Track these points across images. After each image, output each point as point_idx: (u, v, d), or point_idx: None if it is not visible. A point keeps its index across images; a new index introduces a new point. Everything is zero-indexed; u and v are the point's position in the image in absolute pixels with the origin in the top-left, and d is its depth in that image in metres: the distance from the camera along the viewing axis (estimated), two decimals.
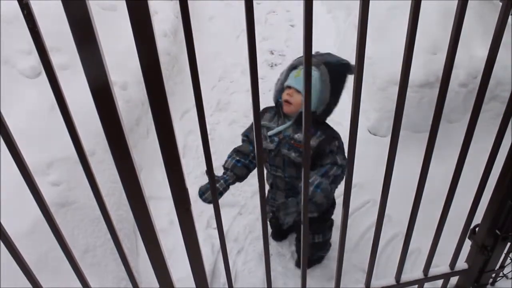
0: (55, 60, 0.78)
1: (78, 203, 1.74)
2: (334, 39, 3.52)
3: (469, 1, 0.91)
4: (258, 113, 0.90)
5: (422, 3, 0.86)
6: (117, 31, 2.23)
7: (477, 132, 1.18)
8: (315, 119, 1.50)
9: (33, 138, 1.78)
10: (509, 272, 1.82)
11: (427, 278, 1.60)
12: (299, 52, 0.85)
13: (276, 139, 1.58)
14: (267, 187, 1.81)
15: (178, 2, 0.73)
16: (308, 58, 0.83)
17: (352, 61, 1.02)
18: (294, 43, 3.75)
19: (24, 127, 1.79)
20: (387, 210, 1.29)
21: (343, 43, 3.32)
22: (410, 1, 0.85)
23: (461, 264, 1.66)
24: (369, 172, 2.18)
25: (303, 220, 1.16)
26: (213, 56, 3.57)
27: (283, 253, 2.11)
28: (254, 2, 0.75)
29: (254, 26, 0.76)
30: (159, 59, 0.73)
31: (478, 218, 1.50)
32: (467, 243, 1.58)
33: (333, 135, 1.54)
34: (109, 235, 1.05)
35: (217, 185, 1.61)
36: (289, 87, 1.52)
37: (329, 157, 1.53)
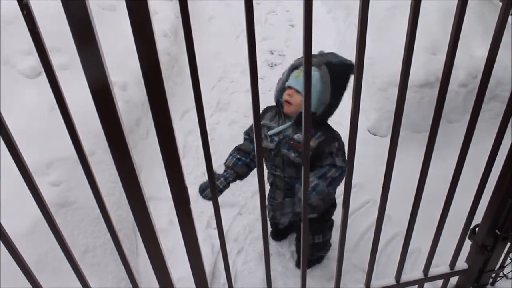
0: (55, 60, 0.78)
1: (78, 203, 1.74)
2: (334, 39, 3.52)
3: (469, 1, 0.91)
4: (258, 113, 0.90)
5: (422, 3, 0.86)
6: (117, 31, 2.23)
7: (477, 132, 1.17)
8: (315, 120, 1.49)
9: (33, 138, 1.78)
10: (509, 272, 1.82)
11: (427, 278, 1.60)
12: (299, 52, 0.85)
13: (276, 138, 1.58)
14: (268, 186, 1.81)
15: (178, 2, 0.73)
16: (308, 58, 0.83)
17: (352, 61, 1.02)
18: (294, 43, 3.75)
19: (24, 127, 1.79)
20: (387, 210, 1.29)
21: (343, 43, 3.32)
22: (410, 1, 0.85)
23: (461, 264, 1.66)
24: (369, 172, 2.18)
25: (303, 220, 1.16)
26: (213, 56, 3.57)
27: (283, 253, 2.11)
28: (254, 2, 0.75)
29: (254, 26, 0.76)
30: (159, 59, 0.73)
31: (478, 218, 1.50)
32: (467, 243, 1.57)
33: (333, 137, 1.54)
34: (109, 235, 1.05)
35: (217, 182, 1.62)
36: (289, 87, 1.52)
37: (328, 159, 1.52)
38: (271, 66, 3.57)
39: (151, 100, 0.78)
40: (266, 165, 1.70)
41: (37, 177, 0.90)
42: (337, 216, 1.72)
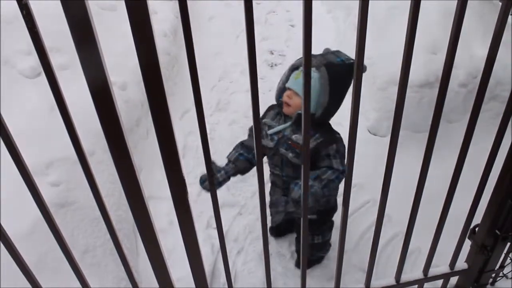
0: (55, 60, 0.78)
1: (77, 203, 1.74)
2: (334, 39, 3.52)
3: (469, 1, 0.91)
4: (258, 113, 0.90)
5: (422, 3, 0.86)
6: (117, 31, 2.23)
7: (476, 132, 1.17)
8: (314, 121, 1.48)
9: (33, 138, 1.78)
10: (509, 272, 1.82)
11: (427, 278, 1.60)
12: (299, 52, 0.85)
13: (275, 137, 1.58)
14: (269, 184, 1.83)
15: (177, 2, 0.72)
16: (308, 58, 0.83)
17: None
18: (294, 43, 3.75)
19: (24, 127, 1.79)
20: (387, 210, 1.29)
21: (343, 43, 3.32)
22: (409, 1, 0.85)
23: (461, 264, 1.65)
24: (369, 172, 2.18)
25: (303, 221, 1.16)
26: (213, 56, 3.57)
27: (283, 253, 2.11)
28: (254, 2, 0.75)
29: (253, 26, 0.76)
30: (158, 59, 0.73)
31: (478, 218, 1.50)
32: (467, 243, 1.57)
33: (332, 139, 1.52)
34: (108, 235, 1.05)
35: (218, 175, 1.65)
36: (289, 88, 1.52)
37: (325, 161, 1.51)
38: (271, 66, 3.57)
39: (150, 100, 0.78)
40: (268, 163, 1.72)
41: (37, 177, 0.90)
42: (337, 216, 1.72)
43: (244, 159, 1.68)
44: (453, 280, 1.79)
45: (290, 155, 1.55)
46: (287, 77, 1.55)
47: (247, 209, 2.33)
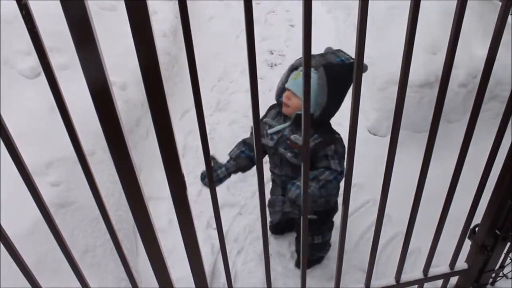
0: (55, 60, 0.78)
1: (77, 203, 1.74)
2: (334, 39, 3.52)
3: (469, 1, 0.91)
4: (257, 113, 0.90)
5: (422, 3, 0.86)
6: (116, 31, 2.23)
7: (476, 132, 1.17)
8: (313, 122, 1.47)
9: (33, 139, 1.78)
10: (509, 272, 1.82)
11: (427, 278, 1.60)
12: (299, 52, 0.85)
13: (275, 137, 1.59)
14: (269, 184, 1.84)
15: (177, 2, 0.72)
16: (307, 59, 0.83)
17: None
18: (294, 43, 3.75)
19: (24, 128, 1.79)
20: (387, 210, 1.29)
21: (343, 43, 3.32)
22: (409, 1, 0.85)
23: (461, 264, 1.65)
24: (369, 172, 2.18)
25: (303, 220, 1.16)
26: (213, 56, 3.57)
27: (283, 253, 2.11)
28: (254, 2, 0.75)
29: (253, 26, 0.76)
30: (158, 59, 0.73)
31: (478, 218, 1.50)
32: (467, 243, 1.57)
33: (331, 139, 1.52)
34: (108, 236, 1.05)
35: (219, 171, 1.67)
36: (287, 89, 1.52)
37: (323, 161, 1.51)
38: (271, 66, 3.57)
39: (150, 100, 0.78)
40: (269, 163, 1.73)
41: (37, 178, 0.90)
42: (337, 216, 1.72)
43: (245, 156, 1.70)
44: (453, 280, 1.79)
45: (288, 154, 1.55)
46: (286, 78, 1.55)
47: (247, 209, 2.33)
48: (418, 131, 2.58)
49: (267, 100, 1.65)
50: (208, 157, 0.95)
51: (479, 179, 1.35)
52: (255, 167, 1.68)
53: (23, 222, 1.53)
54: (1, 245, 0.95)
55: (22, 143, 0.89)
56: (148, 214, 0.97)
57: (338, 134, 1.56)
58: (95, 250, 1.71)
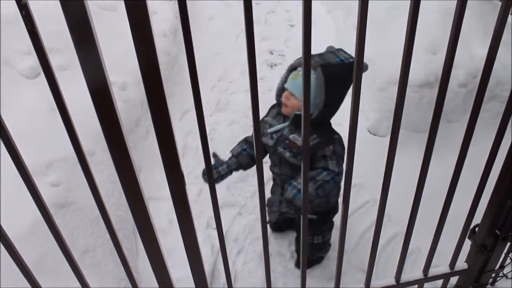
0: (55, 60, 0.78)
1: (77, 203, 1.74)
2: (334, 39, 3.52)
3: (469, 1, 0.91)
4: (257, 113, 0.90)
5: (422, 3, 0.86)
6: (116, 31, 2.22)
7: (476, 131, 1.17)
8: (311, 122, 1.47)
9: (32, 139, 1.78)
10: (509, 272, 1.82)
11: (427, 278, 1.60)
12: (299, 52, 0.85)
13: (275, 136, 1.59)
14: (269, 183, 1.85)
15: (177, 2, 0.72)
16: (307, 58, 0.83)
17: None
18: (293, 43, 3.75)
19: (23, 128, 1.79)
20: (387, 210, 1.29)
21: (343, 43, 3.32)
22: (409, 1, 0.85)
23: (461, 264, 1.65)
24: (369, 172, 2.18)
25: (303, 221, 1.16)
26: (213, 56, 3.57)
27: (283, 253, 2.11)
28: (254, 2, 0.75)
29: (253, 26, 0.76)
30: (158, 60, 0.73)
31: (478, 218, 1.50)
32: (467, 243, 1.57)
33: (329, 140, 1.51)
34: (108, 236, 1.05)
35: (220, 168, 1.69)
36: (286, 89, 1.52)
37: (321, 162, 1.51)
38: (271, 66, 3.57)
39: (150, 100, 0.78)
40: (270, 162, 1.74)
41: (37, 178, 0.89)
42: (337, 216, 1.72)
43: (246, 154, 1.72)
44: (453, 280, 1.79)
45: (287, 154, 1.55)
46: (285, 78, 1.55)
47: (247, 209, 2.33)
48: (418, 131, 2.58)
49: (267, 100, 1.65)
50: (208, 157, 0.95)
51: (479, 179, 1.35)
52: (255, 166, 1.70)
53: (23, 222, 1.53)
54: (1, 245, 0.95)
55: (22, 143, 0.89)
56: (148, 214, 0.97)
57: (338, 134, 1.56)
58: (95, 250, 1.71)
